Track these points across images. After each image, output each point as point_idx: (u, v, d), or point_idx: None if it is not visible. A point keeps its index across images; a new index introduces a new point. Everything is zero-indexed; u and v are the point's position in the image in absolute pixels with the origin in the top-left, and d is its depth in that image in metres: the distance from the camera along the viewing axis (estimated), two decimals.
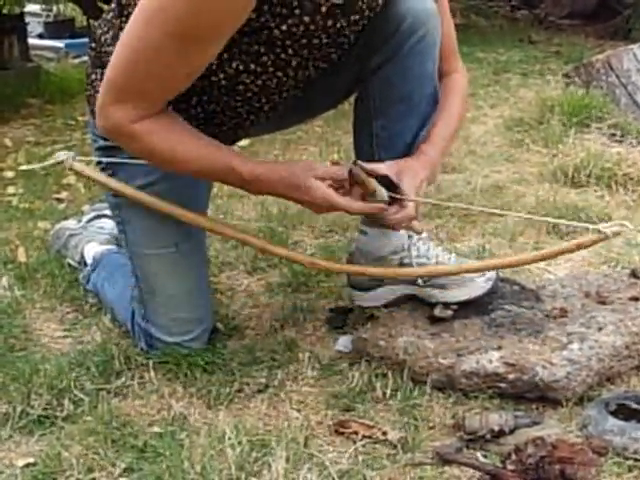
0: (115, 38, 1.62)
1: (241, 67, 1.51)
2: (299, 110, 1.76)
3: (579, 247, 1.57)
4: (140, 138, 1.49)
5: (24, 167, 1.87)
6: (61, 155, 1.71)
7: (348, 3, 1.48)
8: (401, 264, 1.75)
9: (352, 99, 1.78)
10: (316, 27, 1.48)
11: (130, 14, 1.54)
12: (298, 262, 1.78)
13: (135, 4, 1.52)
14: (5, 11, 4.23)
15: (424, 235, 1.79)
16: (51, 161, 1.71)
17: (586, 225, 1.57)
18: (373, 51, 1.62)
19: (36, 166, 1.75)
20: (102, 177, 1.70)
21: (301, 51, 1.52)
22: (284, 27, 1.45)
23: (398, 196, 1.54)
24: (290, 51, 1.51)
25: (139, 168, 1.68)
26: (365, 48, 1.61)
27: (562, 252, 1.66)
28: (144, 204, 1.68)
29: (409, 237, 1.75)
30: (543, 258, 1.74)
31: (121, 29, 1.59)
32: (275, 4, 1.41)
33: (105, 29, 1.66)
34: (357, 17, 1.53)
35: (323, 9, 1.45)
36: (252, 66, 1.52)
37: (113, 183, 1.69)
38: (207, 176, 1.63)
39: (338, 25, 1.50)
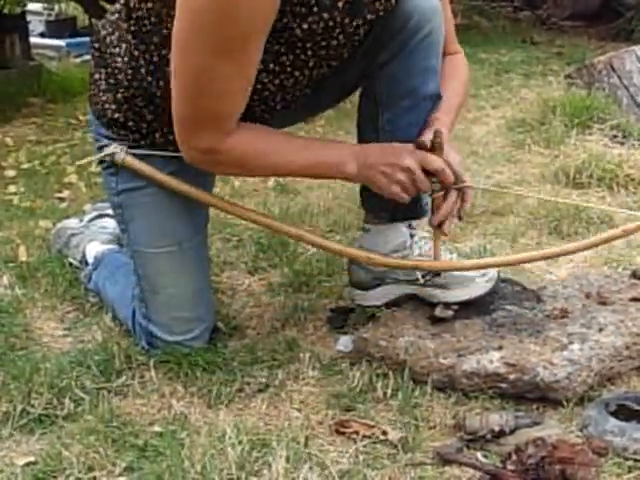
0: (121, 39, 1.62)
1: (260, 66, 1.52)
2: (306, 107, 1.77)
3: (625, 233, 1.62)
4: (231, 154, 1.53)
5: (80, 162, 1.88)
6: (114, 148, 1.69)
7: (356, 1, 1.50)
8: None
9: (355, 97, 1.78)
10: (335, 24, 1.49)
11: (139, 17, 1.55)
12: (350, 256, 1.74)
13: (144, 8, 1.53)
14: (6, 10, 4.23)
15: (425, 234, 1.79)
16: (103, 154, 1.70)
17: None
18: (380, 47, 1.63)
19: (92, 159, 1.74)
20: (151, 171, 1.69)
21: (319, 51, 1.54)
22: (305, 26, 1.46)
23: (458, 185, 1.59)
24: (309, 52, 1.53)
25: None
26: (373, 45, 1.63)
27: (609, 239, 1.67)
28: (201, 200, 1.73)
29: (411, 235, 1.75)
30: (587, 247, 1.73)
31: (129, 32, 1.59)
32: (295, 3, 1.42)
33: (110, 30, 1.66)
34: (373, 16, 1.55)
35: (340, 4, 1.47)
36: (271, 65, 1.53)
37: (162, 176, 1.69)
38: (304, 160, 1.58)
39: (355, 23, 1.52)
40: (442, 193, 1.59)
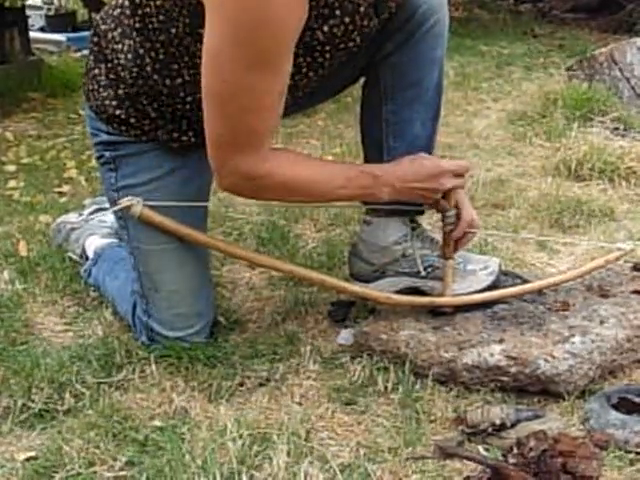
0: (124, 35, 1.61)
1: None
2: (311, 98, 1.76)
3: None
4: (274, 175, 1.51)
5: (106, 211, 1.91)
6: (130, 200, 1.66)
7: (380, 3, 1.51)
8: (404, 255, 1.76)
9: (355, 90, 1.78)
10: (354, 27, 1.49)
11: (145, 14, 1.53)
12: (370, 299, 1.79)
13: (152, 5, 1.51)
14: (6, 4, 4.22)
15: (427, 227, 1.80)
16: (119, 206, 1.68)
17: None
18: (387, 38, 1.64)
19: (109, 211, 1.75)
20: (173, 224, 1.69)
21: (336, 53, 1.53)
22: (326, 28, 1.46)
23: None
24: (327, 55, 1.52)
25: (143, 163, 1.69)
26: (379, 36, 1.63)
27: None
28: (217, 249, 1.78)
29: (412, 229, 1.75)
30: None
31: (134, 29, 1.58)
32: (318, 7, 1.42)
33: (112, 25, 1.64)
34: (387, 16, 1.57)
35: (362, 9, 1.47)
36: None
37: (184, 230, 1.69)
38: (340, 190, 1.59)
39: (371, 24, 1.53)
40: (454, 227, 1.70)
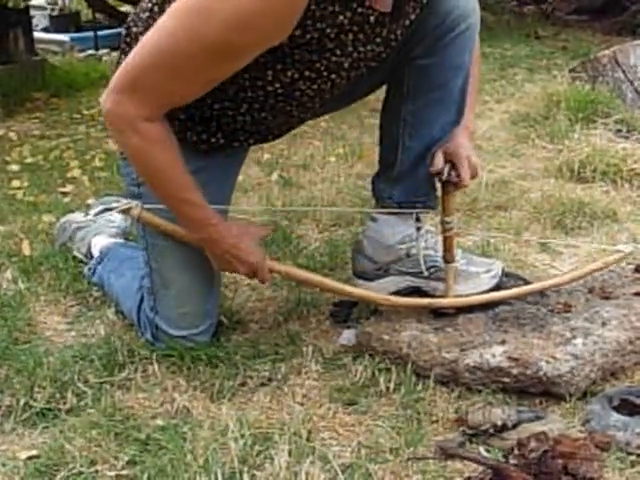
0: None
1: (296, 75, 1.52)
2: (339, 101, 1.77)
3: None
4: (144, 139, 1.50)
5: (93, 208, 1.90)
6: (128, 203, 1.68)
7: (397, 10, 1.51)
8: (408, 254, 1.76)
9: None
10: (365, 35, 1.51)
11: None
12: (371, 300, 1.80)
13: None
14: (10, 4, 4.23)
15: (432, 228, 1.80)
16: (119, 207, 1.69)
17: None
18: (416, 43, 1.65)
19: (110, 212, 1.75)
20: (171, 226, 1.68)
21: (353, 54, 1.54)
22: (332, 36, 1.47)
23: None
24: (338, 52, 1.53)
25: None
26: (409, 41, 1.64)
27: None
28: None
29: (417, 229, 1.76)
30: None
31: None
32: (318, 20, 1.43)
33: (141, 28, 1.64)
34: (406, 22, 1.57)
35: (372, 19, 1.48)
36: (307, 73, 1.53)
37: (181, 232, 1.69)
38: (169, 200, 1.59)
39: (384, 32, 1.54)
40: (455, 231, 1.73)
